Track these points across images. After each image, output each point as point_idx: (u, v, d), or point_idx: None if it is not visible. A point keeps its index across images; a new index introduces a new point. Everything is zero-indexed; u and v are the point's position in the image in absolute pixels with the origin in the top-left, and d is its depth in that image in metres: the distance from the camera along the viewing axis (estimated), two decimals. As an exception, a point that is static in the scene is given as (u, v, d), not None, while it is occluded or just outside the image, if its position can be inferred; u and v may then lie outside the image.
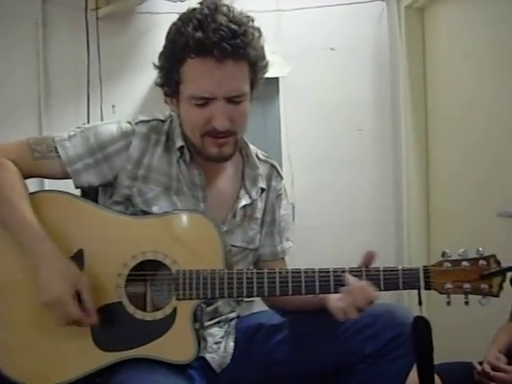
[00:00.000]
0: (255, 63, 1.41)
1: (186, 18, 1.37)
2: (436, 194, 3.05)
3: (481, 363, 1.87)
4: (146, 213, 1.45)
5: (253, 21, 1.40)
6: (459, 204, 2.78)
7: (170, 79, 1.41)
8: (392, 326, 1.40)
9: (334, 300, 1.36)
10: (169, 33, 1.41)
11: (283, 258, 1.64)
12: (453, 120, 2.84)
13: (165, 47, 1.42)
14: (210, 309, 1.49)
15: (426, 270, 1.33)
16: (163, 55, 1.43)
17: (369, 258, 1.36)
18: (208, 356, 1.45)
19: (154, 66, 1.46)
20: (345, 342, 1.43)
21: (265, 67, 1.45)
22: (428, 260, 3.07)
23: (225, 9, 1.37)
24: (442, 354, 1.50)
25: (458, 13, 2.80)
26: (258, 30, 1.41)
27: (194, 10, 1.38)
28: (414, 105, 3.08)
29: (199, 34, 1.33)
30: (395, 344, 1.39)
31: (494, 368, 1.82)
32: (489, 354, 1.89)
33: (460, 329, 2.53)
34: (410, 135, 3.09)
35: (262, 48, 1.43)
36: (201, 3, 1.39)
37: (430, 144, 3.08)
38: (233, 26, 1.34)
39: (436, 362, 1.34)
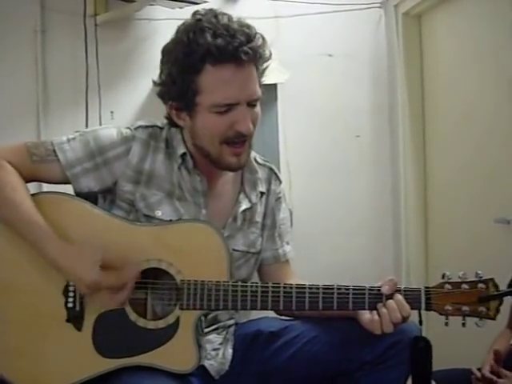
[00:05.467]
0: (261, 66, 1.42)
1: (197, 29, 1.35)
2: (434, 200, 3.05)
3: (479, 369, 1.87)
4: (148, 217, 1.44)
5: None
6: (457, 210, 2.79)
7: (185, 91, 1.38)
8: (391, 332, 1.39)
9: (367, 315, 1.36)
10: (176, 44, 1.38)
11: (287, 262, 1.63)
12: (450, 126, 2.85)
13: (175, 60, 1.38)
14: (209, 316, 1.49)
15: (427, 291, 1.34)
16: (175, 68, 1.38)
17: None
18: (206, 363, 1.44)
19: (154, 83, 1.44)
20: (344, 349, 1.43)
21: (265, 70, 1.45)
22: (426, 267, 3.08)
23: (226, 16, 1.38)
24: (439, 361, 1.50)
25: (455, 19, 2.81)
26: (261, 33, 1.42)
27: (199, 20, 1.37)
28: (412, 111, 3.09)
29: (220, 41, 1.33)
30: (394, 351, 1.39)
31: (494, 372, 1.82)
32: (486, 361, 1.89)
33: (458, 335, 2.53)
34: (407, 142, 3.10)
35: (270, 51, 1.44)
36: (197, 14, 1.38)
37: (427, 150, 3.09)
38: (246, 30, 1.36)
39: (434, 369, 1.34)
